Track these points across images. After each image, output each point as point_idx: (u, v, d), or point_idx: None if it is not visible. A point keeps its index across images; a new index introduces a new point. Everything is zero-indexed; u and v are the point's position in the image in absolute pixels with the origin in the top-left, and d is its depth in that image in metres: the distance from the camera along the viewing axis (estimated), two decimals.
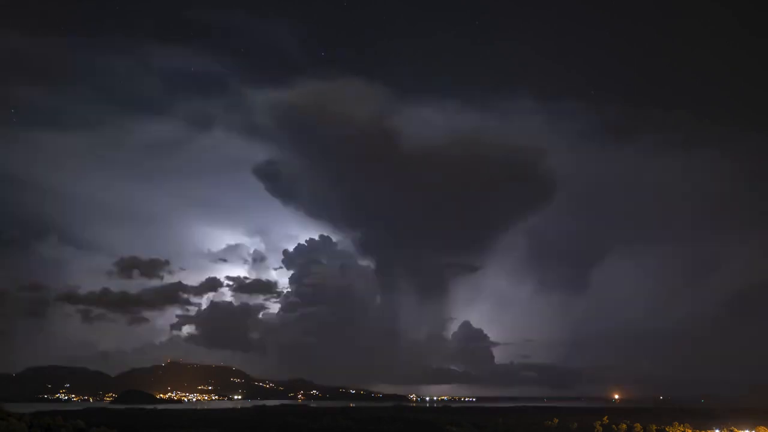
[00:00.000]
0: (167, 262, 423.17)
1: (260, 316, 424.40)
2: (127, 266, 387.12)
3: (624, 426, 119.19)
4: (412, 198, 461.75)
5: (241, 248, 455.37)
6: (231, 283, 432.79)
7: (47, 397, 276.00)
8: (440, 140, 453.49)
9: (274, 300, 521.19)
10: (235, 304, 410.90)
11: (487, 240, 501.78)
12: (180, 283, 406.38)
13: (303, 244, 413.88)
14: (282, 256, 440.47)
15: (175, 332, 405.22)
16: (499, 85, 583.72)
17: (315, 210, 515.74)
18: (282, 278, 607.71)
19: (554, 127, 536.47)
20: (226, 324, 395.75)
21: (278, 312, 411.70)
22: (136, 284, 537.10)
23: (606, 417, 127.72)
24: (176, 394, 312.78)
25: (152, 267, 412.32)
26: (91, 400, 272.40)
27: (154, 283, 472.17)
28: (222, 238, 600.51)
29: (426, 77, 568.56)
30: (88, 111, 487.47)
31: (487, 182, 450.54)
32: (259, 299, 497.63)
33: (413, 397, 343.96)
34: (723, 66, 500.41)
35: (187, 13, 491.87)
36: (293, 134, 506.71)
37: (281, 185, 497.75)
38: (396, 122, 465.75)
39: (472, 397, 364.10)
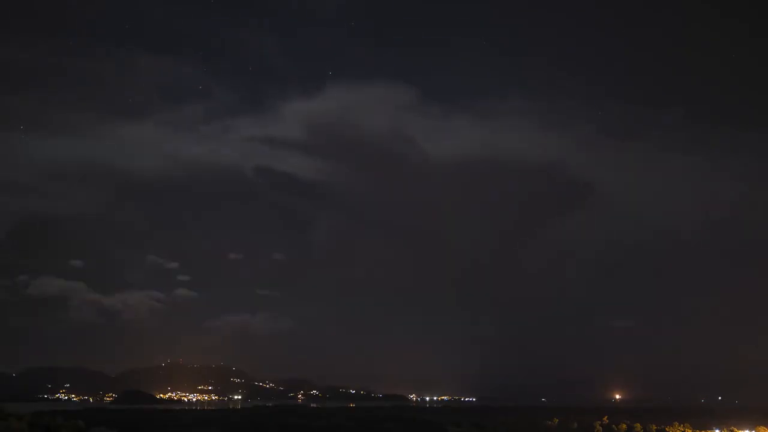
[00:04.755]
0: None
1: None
2: None
3: (624, 426, 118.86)
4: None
5: None
6: None
7: (47, 397, 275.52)
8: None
9: None
10: None
11: None
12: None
13: None
14: None
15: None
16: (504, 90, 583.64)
17: None
18: None
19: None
20: None
21: None
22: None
23: (606, 417, 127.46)
24: (176, 394, 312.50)
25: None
26: (91, 400, 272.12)
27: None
28: None
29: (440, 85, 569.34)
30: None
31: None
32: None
33: (413, 397, 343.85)
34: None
35: (205, 25, 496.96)
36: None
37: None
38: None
39: (472, 398, 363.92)
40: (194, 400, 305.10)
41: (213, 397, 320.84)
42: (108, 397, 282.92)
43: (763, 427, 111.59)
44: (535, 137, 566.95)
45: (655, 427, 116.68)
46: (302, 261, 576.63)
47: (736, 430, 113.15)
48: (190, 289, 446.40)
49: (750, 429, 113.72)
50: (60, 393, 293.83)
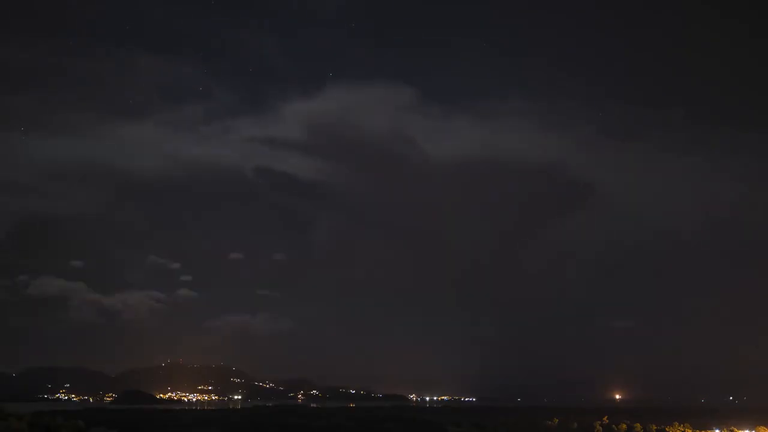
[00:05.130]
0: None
1: None
2: None
3: (624, 426, 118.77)
4: None
5: None
6: None
7: (47, 397, 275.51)
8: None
9: None
10: None
11: None
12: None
13: None
14: None
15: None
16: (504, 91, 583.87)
17: None
18: None
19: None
20: None
21: None
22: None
23: (606, 417, 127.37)
24: (176, 394, 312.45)
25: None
26: (91, 400, 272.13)
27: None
28: None
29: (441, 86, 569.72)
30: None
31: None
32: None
33: (413, 397, 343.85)
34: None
35: (205, 25, 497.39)
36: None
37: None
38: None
39: (472, 398, 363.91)
40: (194, 400, 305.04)
41: (213, 397, 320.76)
42: (108, 397, 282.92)
43: (763, 427, 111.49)
44: (536, 138, 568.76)
45: (655, 427, 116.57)
46: (302, 261, 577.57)
47: (736, 430, 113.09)
48: (190, 289, 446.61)
49: (750, 429, 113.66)
50: (60, 393, 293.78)
